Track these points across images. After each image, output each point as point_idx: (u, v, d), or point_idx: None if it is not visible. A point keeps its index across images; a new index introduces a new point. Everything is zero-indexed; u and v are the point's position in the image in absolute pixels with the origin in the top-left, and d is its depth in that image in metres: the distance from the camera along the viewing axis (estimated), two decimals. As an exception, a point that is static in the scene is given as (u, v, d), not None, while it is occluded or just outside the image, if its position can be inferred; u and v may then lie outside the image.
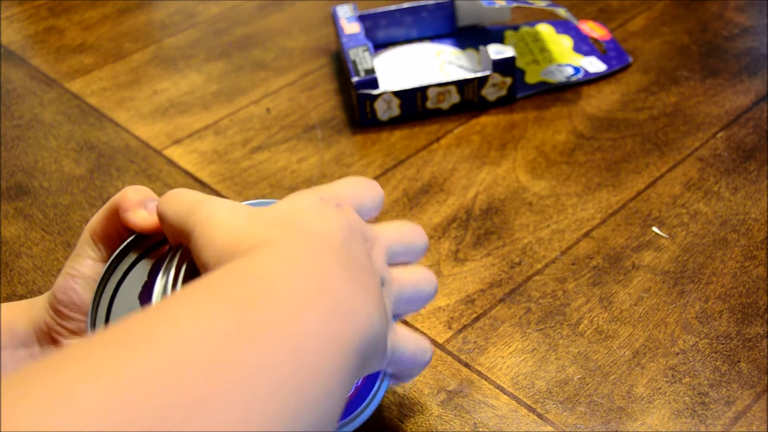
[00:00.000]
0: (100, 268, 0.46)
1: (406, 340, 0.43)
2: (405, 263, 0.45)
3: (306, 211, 0.41)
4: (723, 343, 0.54)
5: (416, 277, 0.45)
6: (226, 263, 0.37)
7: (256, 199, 0.47)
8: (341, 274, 0.37)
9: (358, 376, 0.40)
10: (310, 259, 0.37)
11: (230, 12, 0.90)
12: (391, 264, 0.44)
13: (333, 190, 0.43)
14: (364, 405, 0.46)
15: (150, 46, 0.86)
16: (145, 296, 0.45)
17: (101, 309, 0.45)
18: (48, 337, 0.46)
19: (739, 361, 0.53)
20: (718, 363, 0.53)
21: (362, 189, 0.45)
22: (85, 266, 0.46)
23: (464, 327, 0.56)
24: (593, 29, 0.82)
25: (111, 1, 0.92)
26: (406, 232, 0.45)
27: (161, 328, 0.31)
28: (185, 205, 0.42)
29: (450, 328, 0.56)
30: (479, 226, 0.63)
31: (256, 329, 0.32)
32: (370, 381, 0.46)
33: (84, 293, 0.46)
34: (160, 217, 0.43)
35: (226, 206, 0.41)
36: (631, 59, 0.79)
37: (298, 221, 0.40)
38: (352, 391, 0.46)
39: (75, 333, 0.46)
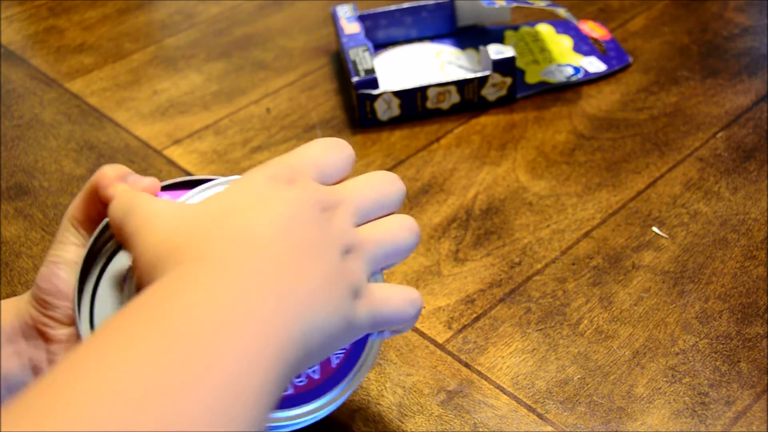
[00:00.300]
0: (83, 253, 0.46)
1: (387, 298, 0.42)
2: (383, 216, 0.43)
3: (246, 200, 0.39)
4: (723, 343, 0.54)
5: (392, 230, 0.43)
6: (154, 279, 0.37)
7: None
8: (274, 278, 0.36)
9: (295, 375, 0.39)
10: (233, 277, 0.36)
11: (230, 12, 0.90)
12: (366, 221, 0.42)
13: (288, 162, 0.42)
14: (354, 372, 0.46)
15: (150, 46, 0.86)
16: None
17: (86, 295, 0.45)
18: (34, 331, 0.46)
19: (739, 361, 0.53)
20: (718, 363, 0.53)
21: (324, 153, 0.43)
22: (68, 252, 0.46)
23: (464, 327, 0.56)
24: (593, 29, 0.82)
25: (111, 1, 0.92)
26: (378, 185, 0.43)
27: (78, 390, 0.31)
28: (120, 212, 0.41)
29: (450, 328, 0.56)
30: (479, 226, 0.63)
31: (172, 387, 0.31)
32: (359, 342, 0.46)
33: (69, 278, 0.45)
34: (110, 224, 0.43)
35: (154, 214, 0.40)
36: (631, 59, 0.79)
37: (232, 219, 0.38)
38: (342, 355, 0.46)
39: (61, 322, 0.46)
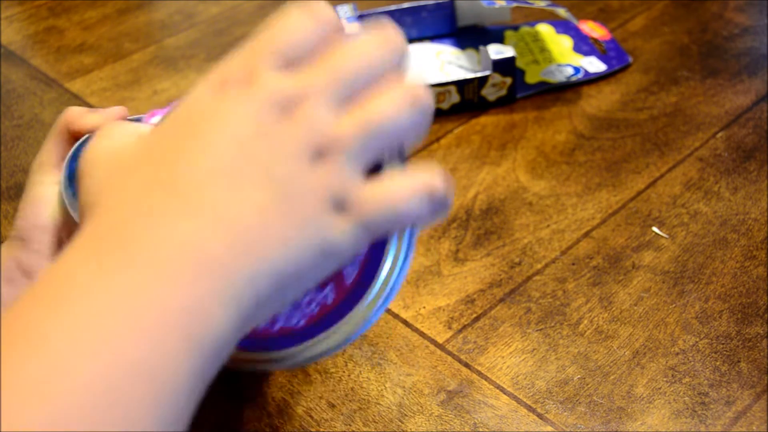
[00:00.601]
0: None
1: (386, 198, 0.34)
2: (378, 87, 0.35)
3: (183, 129, 0.34)
4: (723, 343, 0.54)
5: (382, 106, 0.34)
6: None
7: None
8: (196, 236, 0.32)
9: (249, 327, 0.34)
10: (136, 253, 0.32)
11: (230, 12, 0.90)
12: (354, 100, 0.34)
13: (241, 57, 0.35)
14: (377, 287, 0.39)
15: (150, 46, 0.86)
16: None
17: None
18: (19, 274, 0.46)
19: (739, 361, 0.53)
20: (718, 363, 0.53)
21: (287, 29, 0.35)
22: (40, 190, 0.46)
23: (464, 327, 0.56)
24: (593, 29, 0.82)
25: (111, 1, 0.92)
26: (361, 52, 0.35)
27: None
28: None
29: (450, 328, 0.56)
30: (479, 226, 0.63)
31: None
32: (377, 249, 0.39)
33: (46, 211, 0.46)
34: None
35: (93, 158, 0.37)
36: (631, 59, 0.79)
37: (157, 163, 0.34)
38: (357, 266, 0.40)
39: (46, 256, 0.46)
